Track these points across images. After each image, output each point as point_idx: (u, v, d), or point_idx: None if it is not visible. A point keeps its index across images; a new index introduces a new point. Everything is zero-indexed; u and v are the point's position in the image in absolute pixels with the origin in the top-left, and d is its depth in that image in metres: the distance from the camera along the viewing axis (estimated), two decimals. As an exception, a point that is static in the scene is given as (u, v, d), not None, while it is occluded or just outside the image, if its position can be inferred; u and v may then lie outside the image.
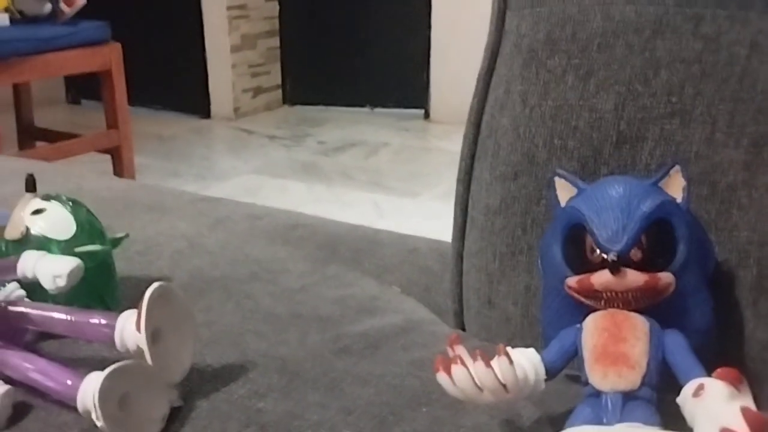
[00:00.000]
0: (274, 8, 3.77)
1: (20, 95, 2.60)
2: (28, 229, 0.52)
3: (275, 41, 3.82)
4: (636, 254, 0.41)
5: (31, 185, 0.54)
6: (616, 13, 0.52)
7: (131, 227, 0.62)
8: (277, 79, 3.87)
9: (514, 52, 0.56)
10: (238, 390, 0.46)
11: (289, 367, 0.49)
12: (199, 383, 0.47)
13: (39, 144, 2.55)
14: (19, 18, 2.16)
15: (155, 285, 0.44)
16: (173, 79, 3.65)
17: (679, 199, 0.44)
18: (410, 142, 3.25)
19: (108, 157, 2.43)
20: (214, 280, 0.62)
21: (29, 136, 2.62)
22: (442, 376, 0.38)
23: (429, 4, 3.32)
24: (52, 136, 2.52)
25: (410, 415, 0.44)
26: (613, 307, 0.42)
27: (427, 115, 3.50)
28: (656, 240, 0.42)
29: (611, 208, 0.42)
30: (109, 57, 2.27)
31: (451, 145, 3.08)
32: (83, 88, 3.71)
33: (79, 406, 0.41)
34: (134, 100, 2.46)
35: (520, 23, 0.56)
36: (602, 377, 0.39)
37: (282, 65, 3.86)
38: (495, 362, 0.38)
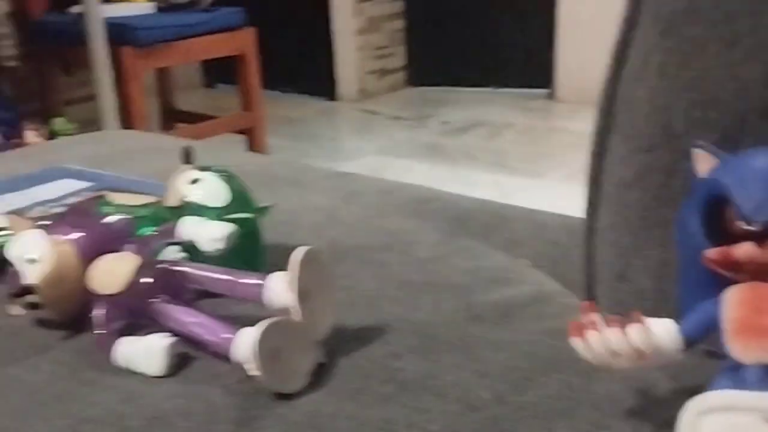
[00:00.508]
0: (400, -10, 3.80)
1: (163, 79, 2.77)
2: (185, 197, 0.56)
3: (400, 23, 3.85)
4: (782, 226, 0.40)
5: (188, 157, 0.59)
6: (765, -21, 0.50)
7: (273, 199, 0.66)
8: (402, 60, 3.91)
9: (652, 22, 0.56)
10: (376, 350, 0.49)
11: (425, 330, 0.51)
12: (340, 343, 0.49)
13: (179, 125, 2.71)
14: (164, 6, 2.29)
15: (304, 248, 0.47)
16: (302, 63, 3.77)
17: (829, 171, 0.42)
18: (535, 122, 3.20)
19: (241, 137, 2.54)
20: (350, 249, 0.65)
21: (170, 117, 2.78)
22: (576, 341, 0.39)
23: (556, -19, 3.24)
24: (191, 118, 2.67)
25: (543, 381, 0.45)
26: (756, 279, 0.41)
27: (552, 95, 3.44)
28: (804, 212, 0.41)
29: (756, 179, 0.41)
30: (245, 41, 2.38)
31: (577, 125, 3.01)
32: (218, 72, 3.89)
33: (234, 357, 0.45)
34: (266, 83, 2.56)
35: (660, -7, 0.55)
36: (744, 349, 0.39)
37: (407, 47, 3.89)
38: (630, 328, 0.38)
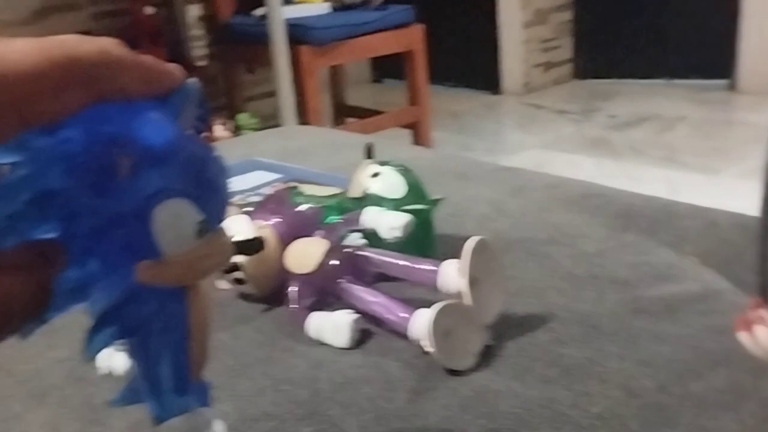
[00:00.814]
0: (568, -19, 3.73)
1: (335, 76, 2.91)
2: (367, 189, 0.62)
3: (568, 15, 3.78)
4: None
5: (370, 153, 0.65)
6: None
7: (442, 192, 0.70)
8: (568, 53, 3.84)
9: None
10: (541, 336, 0.52)
11: (588, 321, 0.53)
12: (507, 328, 0.53)
13: (349, 120, 2.83)
14: (338, 6, 2.41)
15: (475, 238, 0.51)
16: (467, 57, 3.80)
17: None
18: (711, 115, 3.04)
19: (406, 131, 2.62)
20: (516, 241, 0.68)
21: (341, 113, 2.92)
22: (743, 335, 0.40)
23: (740, -35, 3.05)
24: (360, 113, 2.79)
25: (709, 375, 0.46)
26: None
27: (732, 86, 3.24)
28: None
29: None
30: (413, 38, 2.45)
31: (761, 117, 2.82)
32: (385, 67, 4.01)
33: (410, 335, 0.50)
34: (431, 77, 2.62)
35: None
36: None
37: (574, 39, 3.81)
38: (800, 326, 0.39)
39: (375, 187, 0.62)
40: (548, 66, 3.78)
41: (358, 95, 3.38)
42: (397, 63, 2.57)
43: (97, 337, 0.26)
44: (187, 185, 0.26)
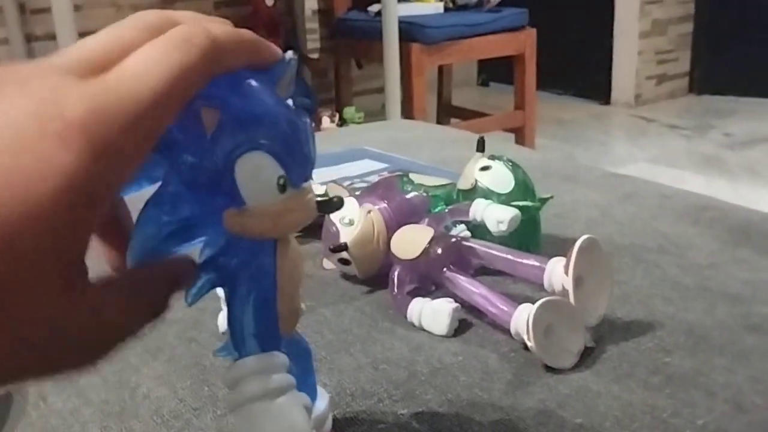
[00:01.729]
0: (691, -8, 3.60)
1: (443, 76, 2.91)
2: (476, 181, 0.62)
3: (688, 27, 3.65)
4: None
5: (481, 146, 0.65)
6: None
7: (549, 193, 0.69)
8: (685, 66, 3.70)
9: None
10: (645, 343, 0.51)
11: (696, 331, 0.52)
12: (610, 331, 0.52)
13: (453, 121, 2.83)
14: (451, 6, 2.42)
15: (584, 237, 0.50)
16: (578, 65, 3.72)
17: None
18: (839, 139, 2.87)
19: (510, 135, 2.60)
20: (623, 247, 0.67)
21: (446, 112, 2.92)
22: None
23: None
24: (465, 114, 2.79)
25: (823, 397, 0.44)
26: None
27: None
28: None
29: None
30: (525, 42, 2.42)
31: None
32: (492, 70, 3.98)
33: (512, 329, 0.50)
34: (540, 83, 2.58)
35: None
36: None
37: (692, 52, 3.67)
38: None
39: (484, 179, 0.62)
40: (662, 78, 3.66)
41: (463, 97, 3.37)
42: (504, 66, 2.55)
43: (195, 284, 0.29)
44: (272, 143, 0.28)
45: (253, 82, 0.28)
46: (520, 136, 2.58)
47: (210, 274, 0.29)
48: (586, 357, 0.49)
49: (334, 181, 0.70)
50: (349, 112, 2.57)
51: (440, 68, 2.89)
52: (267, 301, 0.30)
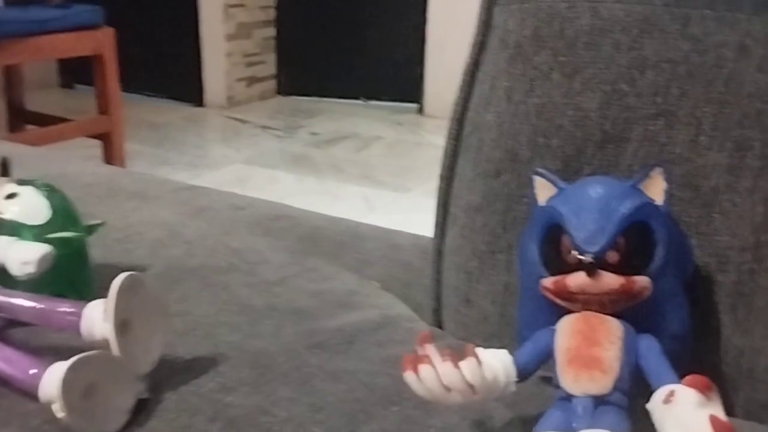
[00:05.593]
0: (271, -2, 3.75)
1: (11, 78, 2.58)
2: (0, 213, 0.51)
3: (271, 31, 3.80)
4: (613, 256, 0.41)
5: (4, 170, 0.53)
6: (604, 11, 0.51)
7: (113, 214, 0.61)
8: (272, 69, 3.86)
9: (501, 48, 0.56)
10: (207, 383, 0.45)
11: (261, 361, 0.48)
12: (169, 375, 0.46)
13: (29, 127, 2.53)
14: (12, 0, 2.14)
15: (124, 275, 0.43)
16: (167, 67, 3.64)
17: (659, 202, 0.43)
18: (403, 136, 3.24)
19: (99, 142, 2.41)
20: (191, 269, 0.61)
21: (20, 119, 2.60)
22: (409, 375, 0.38)
23: (426, -1, 3.30)
24: (42, 120, 2.50)
25: (380, 414, 0.43)
26: (588, 309, 0.41)
27: (420, 110, 3.49)
28: (634, 242, 0.41)
29: (589, 209, 0.42)
30: (102, 41, 2.25)
31: (443, 140, 3.07)
32: (77, 72, 3.68)
33: (41, 396, 0.41)
34: (128, 86, 2.44)
35: (508, 18, 0.56)
36: (574, 380, 0.38)
37: (277, 55, 3.84)
38: (464, 363, 0.37)
39: (10, 211, 0.51)
40: (252, 80, 3.76)
41: (42, 100, 3.05)
42: (89, 67, 2.35)
43: None
44: None
45: None
46: (108, 142, 2.40)
47: None
48: (140, 412, 0.42)
49: None
50: None
51: (7, 69, 2.55)
52: None
